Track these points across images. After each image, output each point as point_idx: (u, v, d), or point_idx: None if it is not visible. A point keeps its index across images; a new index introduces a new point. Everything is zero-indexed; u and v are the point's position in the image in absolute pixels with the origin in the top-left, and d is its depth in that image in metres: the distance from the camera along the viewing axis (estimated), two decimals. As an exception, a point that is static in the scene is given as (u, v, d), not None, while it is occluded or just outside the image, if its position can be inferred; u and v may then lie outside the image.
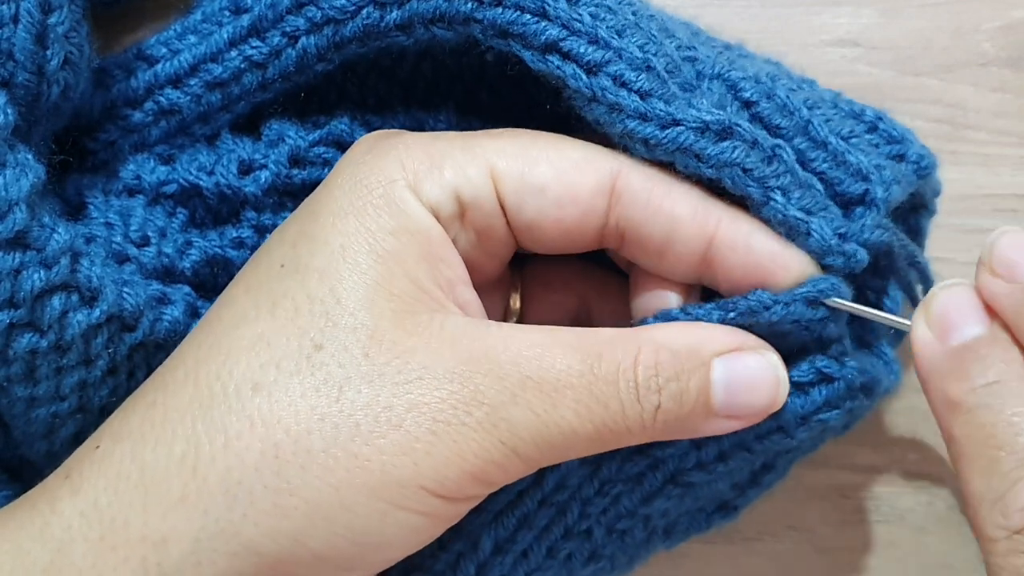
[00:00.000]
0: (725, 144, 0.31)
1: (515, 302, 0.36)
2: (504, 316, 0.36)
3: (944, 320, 0.31)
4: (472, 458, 0.29)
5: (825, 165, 0.33)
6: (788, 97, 0.33)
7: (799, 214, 0.32)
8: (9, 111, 0.30)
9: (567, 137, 0.32)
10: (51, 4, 0.31)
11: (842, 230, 0.32)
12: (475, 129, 0.37)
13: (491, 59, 0.35)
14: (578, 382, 0.29)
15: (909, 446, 0.41)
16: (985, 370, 0.30)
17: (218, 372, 0.29)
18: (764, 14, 0.43)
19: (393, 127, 0.37)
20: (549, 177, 0.31)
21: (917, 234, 0.38)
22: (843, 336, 0.34)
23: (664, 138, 0.32)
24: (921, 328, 0.31)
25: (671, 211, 0.32)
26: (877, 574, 0.42)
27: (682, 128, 0.31)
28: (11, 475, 0.35)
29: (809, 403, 0.33)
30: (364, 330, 0.29)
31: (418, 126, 0.37)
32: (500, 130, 0.33)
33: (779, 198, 0.32)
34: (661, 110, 0.32)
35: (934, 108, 0.42)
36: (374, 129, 0.36)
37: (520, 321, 0.36)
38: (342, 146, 0.36)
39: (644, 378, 0.30)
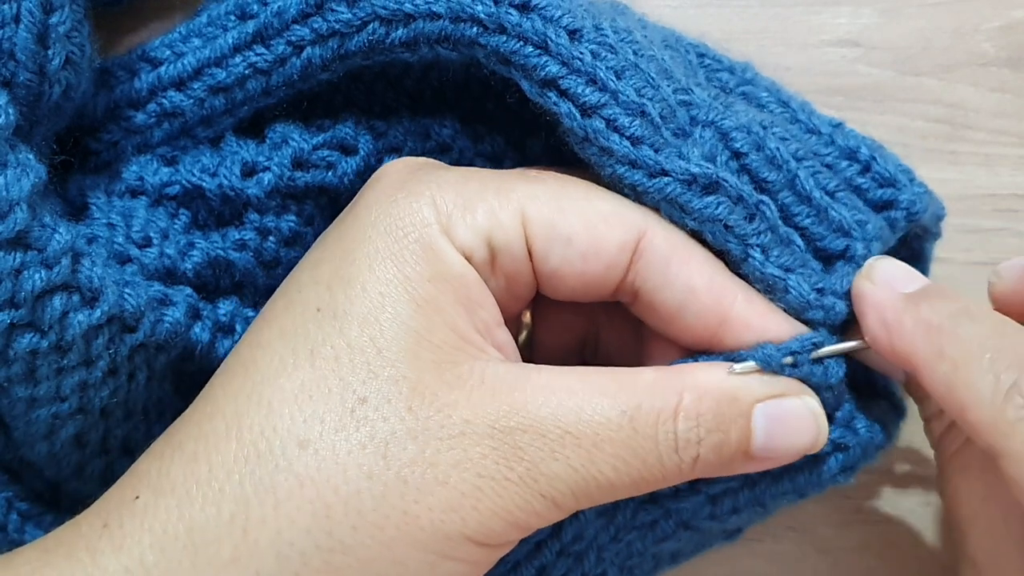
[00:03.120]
0: (710, 199, 0.32)
1: (526, 316, 0.36)
2: (516, 331, 0.36)
3: (892, 277, 0.32)
4: (515, 510, 0.29)
5: (808, 220, 0.33)
6: (778, 149, 0.33)
7: (777, 272, 0.32)
8: (10, 111, 0.30)
9: (598, 187, 0.32)
10: (52, 4, 0.31)
11: (820, 285, 0.33)
12: (480, 136, 0.37)
13: (495, 83, 0.35)
14: (616, 436, 0.29)
15: (909, 446, 0.41)
16: (945, 296, 0.31)
17: (262, 427, 0.29)
18: (764, 14, 0.43)
19: (398, 133, 0.37)
20: (578, 228, 0.31)
21: (920, 259, 0.38)
22: (843, 401, 0.34)
23: (651, 187, 0.32)
24: (869, 286, 0.32)
25: (687, 281, 0.32)
26: (877, 574, 0.42)
27: (669, 179, 0.32)
28: (12, 476, 0.35)
29: (826, 471, 0.34)
30: (406, 382, 0.29)
31: (423, 132, 0.37)
32: (534, 171, 0.33)
33: (758, 255, 0.32)
34: (650, 159, 0.32)
35: (934, 108, 0.42)
36: (379, 134, 0.36)
37: (531, 336, 0.36)
38: (346, 150, 0.36)
39: (684, 430, 0.30)
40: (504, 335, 0.32)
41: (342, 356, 0.29)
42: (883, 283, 0.32)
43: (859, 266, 0.33)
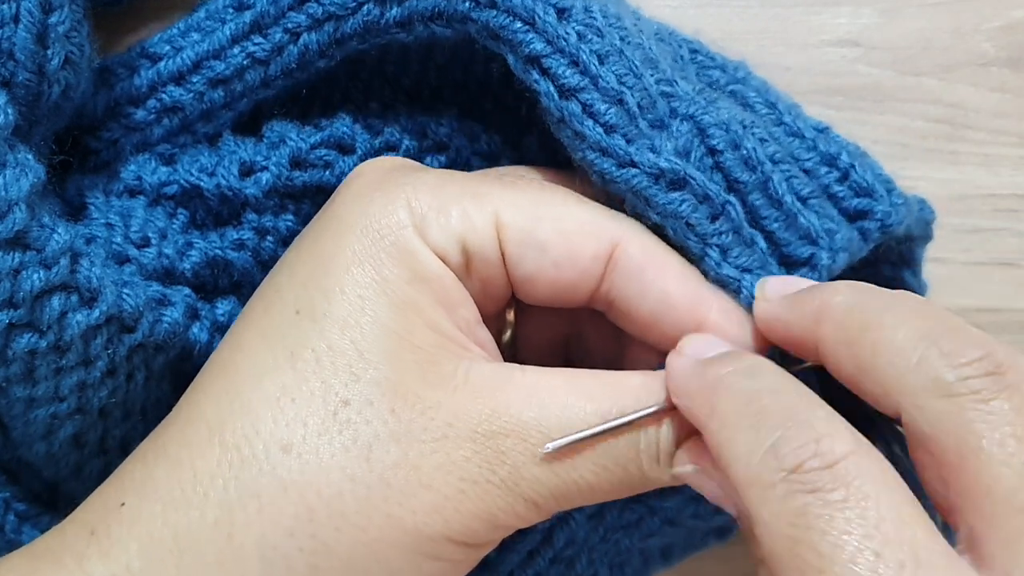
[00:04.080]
0: (675, 195, 0.32)
1: (510, 315, 0.36)
2: (500, 330, 0.36)
3: (696, 349, 0.31)
4: (498, 513, 0.29)
5: (776, 225, 0.33)
6: (754, 150, 0.33)
7: (732, 272, 0.32)
8: (9, 111, 0.30)
9: (576, 195, 0.32)
10: (52, 3, 0.31)
11: None
12: (477, 135, 0.37)
13: (496, 72, 0.35)
14: (598, 442, 0.29)
15: (909, 446, 0.41)
16: (739, 357, 0.30)
17: (244, 431, 0.29)
18: (764, 14, 0.43)
19: (395, 131, 0.37)
20: (552, 237, 0.31)
21: (911, 263, 0.38)
22: None
23: (618, 176, 0.32)
24: (671, 357, 0.31)
25: (662, 292, 0.31)
26: (876, 574, 0.42)
27: (637, 171, 0.32)
28: (10, 477, 0.35)
29: None
30: (388, 384, 0.29)
31: (420, 131, 0.37)
32: (512, 176, 0.33)
33: (715, 255, 0.32)
34: (621, 148, 0.32)
35: (934, 108, 0.42)
36: (376, 132, 0.36)
37: (514, 335, 0.36)
38: (343, 148, 0.36)
39: (666, 439, 0.30)
40: (484, 333, 0.32)
41: (323, 359, 0.29)
42: (686, 353, 0.31)
43: (821, 276, 0.33)
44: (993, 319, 0.42)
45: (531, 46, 0.32)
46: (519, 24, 0.32)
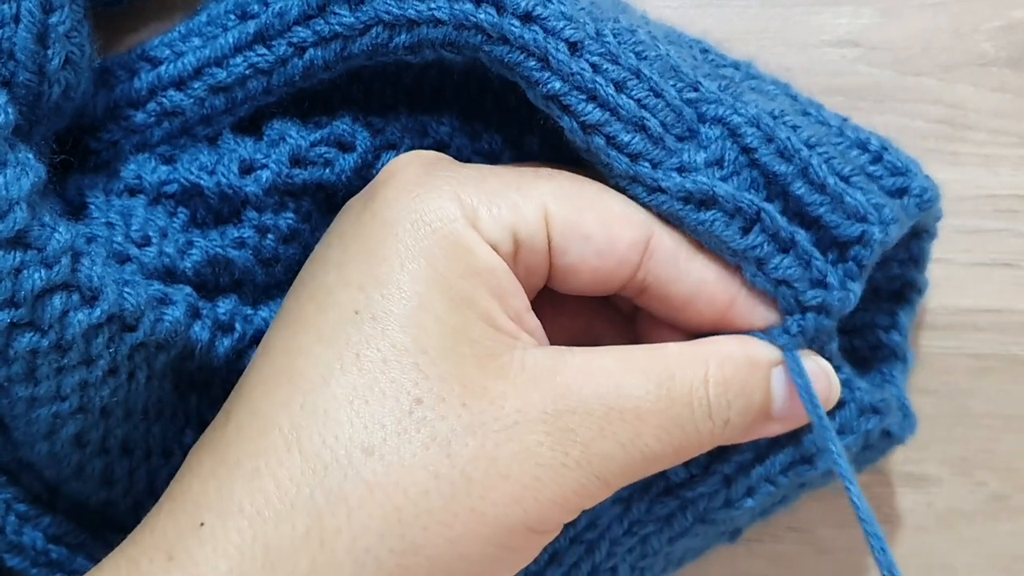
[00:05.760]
0: (706, 215, 0.32)
1: None
2: None
3: None
4: (572, 496, 0.30)
5: (823, 209, 0.33)
6: (788, 139, 0.33)
7: (768, 286, 0.33)
8: (10, 110, 0.30)
9: (607, 188, 0.33)
10: (52, 3, 0.31)
11: (812, 302, 0.33)
12: (478, 134, 0.37)
13: (494, 82, 0.35)
14: (656, 407, 0.30)
15: (909, 446, 0.41)
16: None
17: (323, 437, 0.29)
18: (764, 14, 0.43)
19: (396, 129, 0.36)
20: (595, 226, 0.32)
21: (919, 260, 0.38)
22: (840, 367, 0.35)
23: (650, 200, 0.33)
24: None
25: (700, 273, 0.33)
26: (877, 574, 0.42)
27: (666, 196, 0.33)
28: (10, 478, 0.35)
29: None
30: (455, 379, 0.29)
31: (421, 129, 0.37)
32: (549, 170, 0.34)
33: (750, 268, 0.33)
34: (648, 176, 0.32)
35: (934, 108, 0.42)
36: (377, 131, 0.36)
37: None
38: (343, 146, 0.36)
39: (715, 395, 0.31)
40: (533, 320, 0.32)
41: (389, 358, 0.30)
42: None
43: (874, 252, 0.33)
44: (993, 319, 0.42)
45: (548, 85, 0.33)
46: (533, 62, 0.33)
